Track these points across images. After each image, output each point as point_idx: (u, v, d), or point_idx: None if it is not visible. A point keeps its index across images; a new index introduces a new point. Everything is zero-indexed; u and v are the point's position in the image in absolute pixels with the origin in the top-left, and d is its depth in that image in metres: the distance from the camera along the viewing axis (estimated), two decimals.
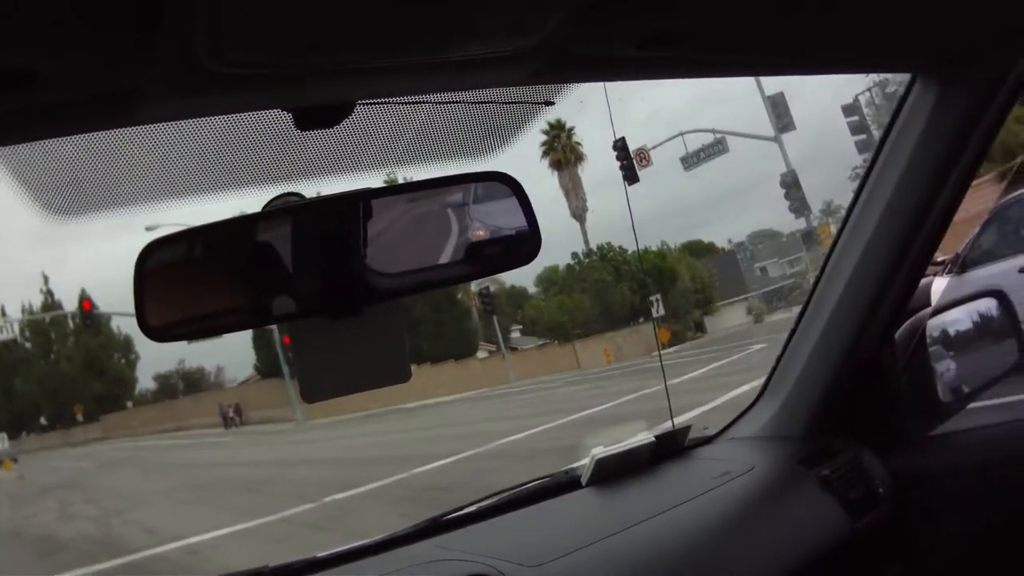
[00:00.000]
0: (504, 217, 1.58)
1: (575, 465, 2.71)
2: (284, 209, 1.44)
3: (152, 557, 12.01)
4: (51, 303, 77.99)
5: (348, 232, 1.44)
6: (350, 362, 1.55)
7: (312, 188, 1.49)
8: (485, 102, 1.46)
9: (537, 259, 1.59)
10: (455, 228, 1.57)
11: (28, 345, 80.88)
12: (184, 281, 1.45)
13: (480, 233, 1.58)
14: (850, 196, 2.37)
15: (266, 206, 1.45)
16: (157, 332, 1.37)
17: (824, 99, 72.85)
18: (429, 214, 1.57)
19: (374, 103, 1.37)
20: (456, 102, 1.45)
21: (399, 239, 1.54)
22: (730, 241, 64.28)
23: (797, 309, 2.78)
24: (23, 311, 77.13)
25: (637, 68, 1.49)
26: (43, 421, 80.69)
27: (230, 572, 2.19)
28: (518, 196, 1.57)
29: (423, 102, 1.44)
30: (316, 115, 1.31)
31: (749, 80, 28.46)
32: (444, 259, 1.55)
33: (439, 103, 1.45)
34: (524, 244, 1.58)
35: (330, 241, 1.44)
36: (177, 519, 14.82)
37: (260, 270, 1.48)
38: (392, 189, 1.51)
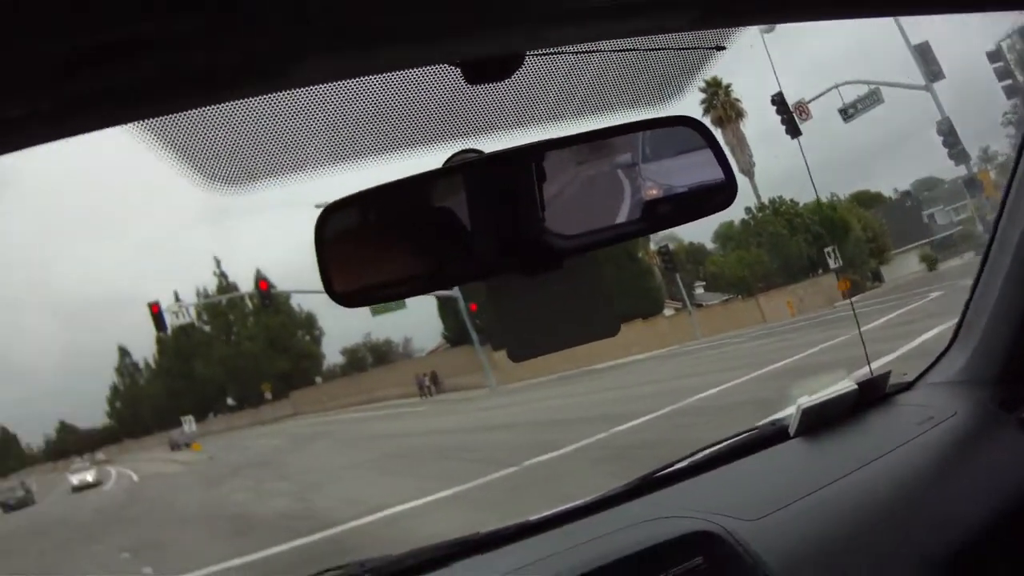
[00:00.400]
0: (686, 167, 1.57)
1: (779, 416, 2.70)
2: (462, 165, 1.44)
3: (351, 530, 12.28)
4: (226, 285, 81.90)
5: (524, 190, 1.44)
6: (555, 318, 1.56)
7: (486, 145, 1.49)
8: (654, 49, 1.41)
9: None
10: (630, 185, 1.55)
11: (207, 328, 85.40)
12: (364, 245, 1.48)
13: (655, 190, 1.56)
14: (1005, 140, 2.26)
15: (445, 164, 1.45)
16: (345, 298, 1.41)
17: (966, 48, 71.20)
18: (602, 174, 1.56)
19: (543, 54, 1.35)
20: (625, 50, 1.41)
21: (575, 198, 1.53)
22: (896, 190, 63.05)
23: (969, 256, 2.71)
24: (198, 295, 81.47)
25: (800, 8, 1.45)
26: (230, 402, 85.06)
27: (440, 542, 2.25)
28: (707, 139, 1.56)
29: (592, 51, 1.41)
30: (486, 68, 1.28)
31: (894, 31, 31.50)
32: (621, 218, 1.54)
33: (608, 51, 1.42)
34: (718, 191, 1.57)
35: (509, 198, 1.44)
36: (375, 490, 15.14)
37: (440, 229, 1.49)
38: (575, 138, 1.50)
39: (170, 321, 34.12)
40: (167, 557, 14.15)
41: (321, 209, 1.42)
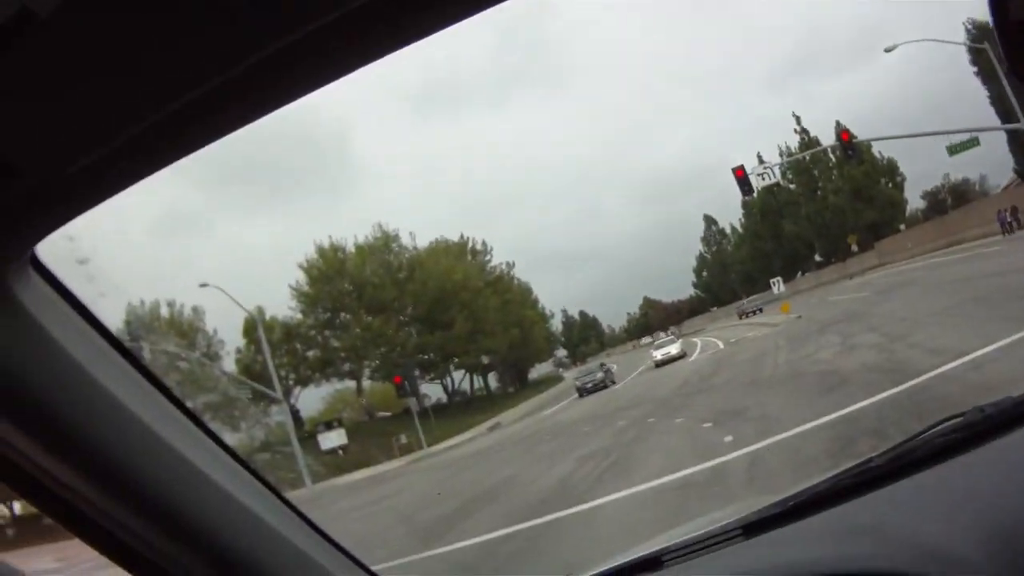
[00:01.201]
0: None
1: None
2: None
3: (936, 377, 11.51)
4: (808, 141, 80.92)
5: None
6: None
7: None
8: None
9: None
10: None
11: (792, 187, 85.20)
12: None
13: None
14: None
15: None
16: None
17: None
18: None
19: None
20: None
21: None
22: None
23: None
24: (780, 154, 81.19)
25: None
26: (817, 258, 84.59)
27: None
28: None
29: None
30: None
31: None
32: None
33: None
34: None
35: None
36: (958, 336, 13.93)
37: None
38: None
39: (756, 183, 33.88)
40: (744, 426, 13.90)
41: None
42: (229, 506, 1.47)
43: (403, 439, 47.30)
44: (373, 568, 1.91)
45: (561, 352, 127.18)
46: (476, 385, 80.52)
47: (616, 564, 2.09)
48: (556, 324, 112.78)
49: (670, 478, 11.48)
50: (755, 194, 43.96)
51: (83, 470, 1.26)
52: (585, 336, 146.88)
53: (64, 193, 1.04)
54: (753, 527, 1.93)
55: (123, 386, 1.30)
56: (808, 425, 11.40)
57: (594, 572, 2.12)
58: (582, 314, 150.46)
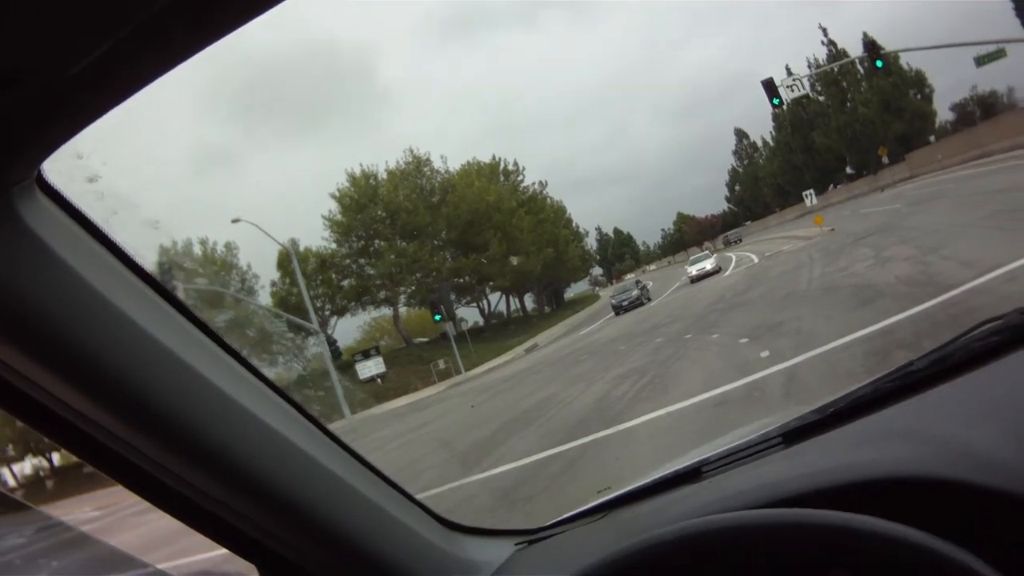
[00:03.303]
0: None
1: None
2: None
3: (970, 291, 11.29)
4: (835, 53, 79.48)
5: None
6: None
7: None
8: None
9: None
10: None
11: (821, 99, 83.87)
12: None
13: None
14: None
15: None
16: None
17: None
18: None
19: None
20: None
21: None
22: None
23: None
24: (809, 66, 79.82)
25: None
26: (848, 171, 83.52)
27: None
28: None
29: None
30: None
31: None
32: None
33: None
34: None
35: None
36: (991, 248, 13.66)
37: None
38: None
39: (785, 96, 33.31)
40: (781, 341, 13.74)
41: None
42: (260, 433, 1.41)
43: (441, 364, 47.56)
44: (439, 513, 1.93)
45: (597, 270, 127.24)
46: (512, 307, 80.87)
47: (655, 478, 2.07)
48: (591, 242, 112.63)
49: (707, 396, 11.39)
50: (785, 106, 43.30)
51: (102, 400, 1.21)
52: (620, 254, 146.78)
53: (68, 101, 0.97)
54: (792, 435, 1.90)
55: (142, 309, 1.24)
56: (844, 339, 11.24)
57: (634, 486, 2.10)
58: (616, 231, 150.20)
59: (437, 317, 46.82)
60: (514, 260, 66.81)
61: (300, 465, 1.47)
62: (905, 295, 12.98)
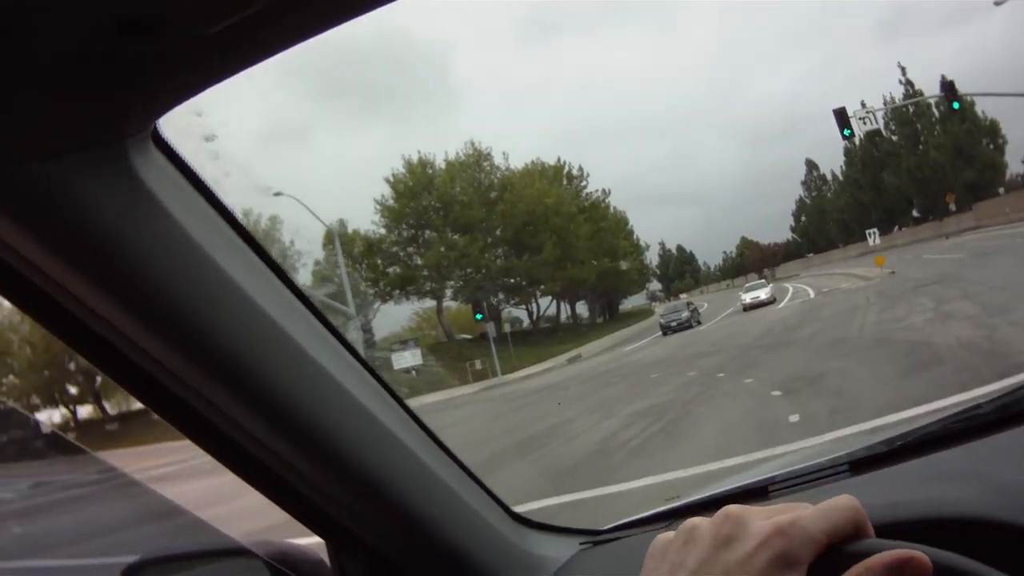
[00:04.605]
0: None
1: None
2: None
3: None
4: (912, 92, 76.44)
5: None
6: None
7: None
8: None
9: None
10: None
11: (894, 138, 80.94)
12: None
13: None
14: None
15: None
16: None
17: None
18: None
19: None
20: None
21: None
22: None
23: None
24: (884, 103, 76.70)
25: None
26: (915, 214, 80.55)
27: None
28: None
29: None
30: None
31: None
32: None
33: None
34: None
35: None
36: None
37: None
38: None
39: (857, 127, 31.63)
40: (816, 402, 11.63)
41: None
42: (343, 399, 1.33)
43: (478, 365, 45.83)
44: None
45: (656, 285, 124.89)
46: (565, 313, 78.36)
47: (723, 490, 1.99)
48: (652, 256, 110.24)
49: (709, 468, 9.24)
50: (856, 139, 41.94)
51: (195, 355, 1.14)
52: (680, 272, 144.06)
53: (199, 59, 0.91)
54: (859, 464, 1.77)
55: (246, 275, 1.18)
56: (888, 418, 8.80)
57: (701, 496, 1.99)
58: (679, 249, 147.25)
59: (479, 316, 45.14)
60: (569, 267, 64.37)
61: (380, 436, 1.42)
62: (966, 365, 10.76)
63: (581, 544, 1.94)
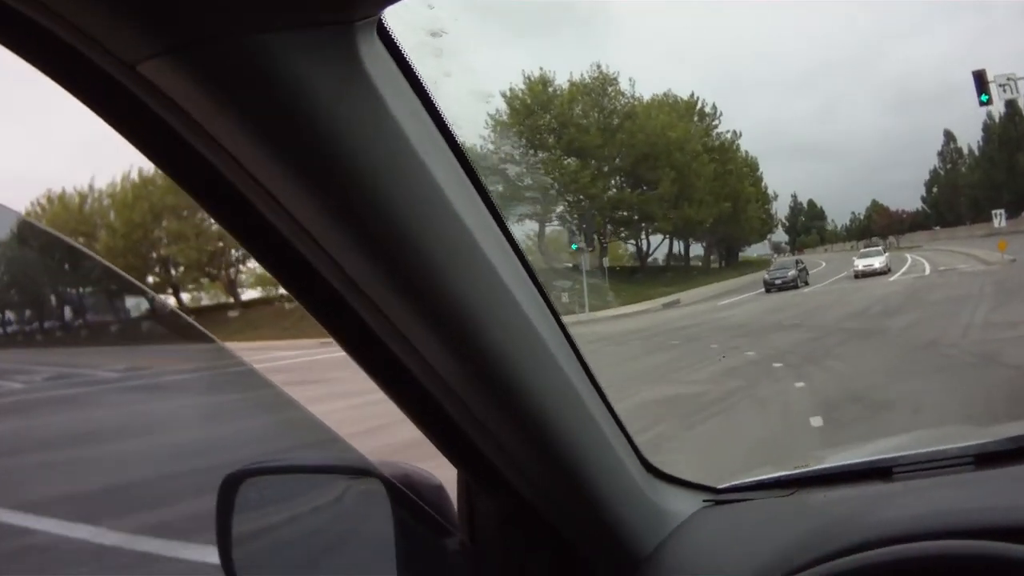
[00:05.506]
0: None
1: None
2: None
3: None
4: None
5: None
6: None
7: None
8: None
9: None
10: None
11: None
12: None
13: None
14: None
15: None
16: None
17: None
18: None
19: None
20: None
21: None
22: None
23: None
24: None
25: None
26: None
27: None
28: None
29: None
30: None
31: None
32: None
33: None
34: None
35: None
36: None
37: None
38: None
39: (996, 94, 28.74)
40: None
41: None
42: (514, 319, 1.25)
43: (564, 298, 43.05)
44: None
45: (781, 236, 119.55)
46: (679, 252, 74.24)
47: (847, 463, 1.93)
48: (783, 208, 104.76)
49: None
50: (996, 107, 38.72)
51: (384, 266, 1.09)
52: (808, 227, 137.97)
53: None
54: (985, 459, 1.71)
55: (450, 185, 1.12)
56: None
57: (825, 466, 1.94)
58: (811, 204, 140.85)
59: (574, 246, 42.41)
60: (685, 207, 60.23)
61: (547, 364, 1.32)
62: None
63: (704, 501, 1.83)
